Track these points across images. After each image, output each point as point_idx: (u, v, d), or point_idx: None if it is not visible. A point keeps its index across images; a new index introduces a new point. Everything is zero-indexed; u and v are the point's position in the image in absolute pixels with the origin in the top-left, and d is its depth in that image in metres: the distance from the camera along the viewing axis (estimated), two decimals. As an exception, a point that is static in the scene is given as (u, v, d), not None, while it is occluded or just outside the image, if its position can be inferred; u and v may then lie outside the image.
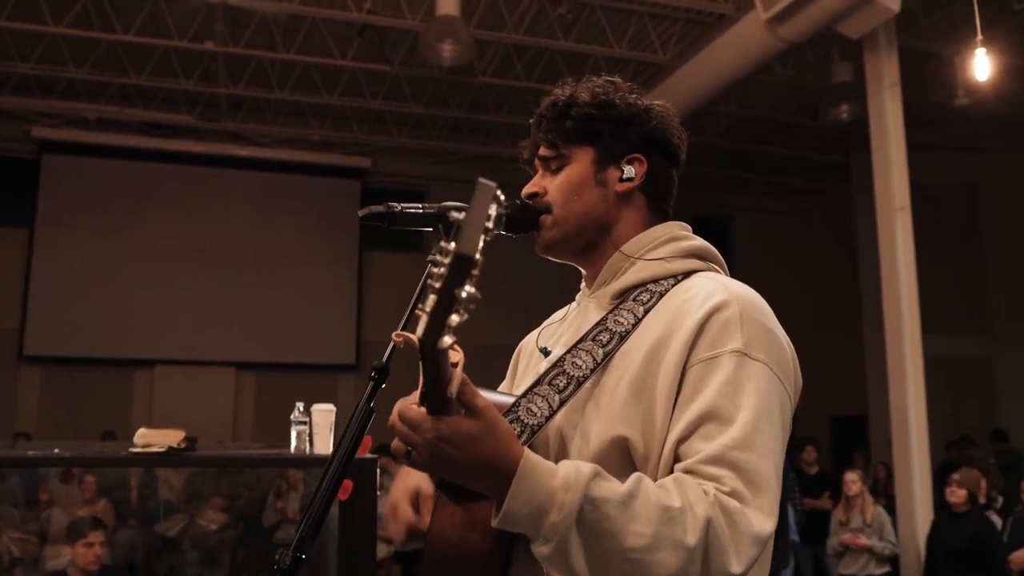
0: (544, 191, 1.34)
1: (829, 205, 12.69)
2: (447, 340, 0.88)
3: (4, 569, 5.05)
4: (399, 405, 1.08)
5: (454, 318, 0.86)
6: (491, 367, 1.54)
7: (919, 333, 6.63)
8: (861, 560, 6.08)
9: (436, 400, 1.00)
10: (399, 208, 1.22)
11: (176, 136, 10.53)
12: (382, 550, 6.85)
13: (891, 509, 6.75)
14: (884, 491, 8.37)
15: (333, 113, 10.58)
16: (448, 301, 0.85)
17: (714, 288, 1.21)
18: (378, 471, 2.83)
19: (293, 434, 3.20)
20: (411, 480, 1.33)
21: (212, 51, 8.66)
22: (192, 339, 10.59)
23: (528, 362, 1.44)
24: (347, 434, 1.09)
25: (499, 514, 1.03)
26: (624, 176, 1.33)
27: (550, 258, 1.38)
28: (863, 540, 6.08)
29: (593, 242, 1.34)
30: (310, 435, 3.17)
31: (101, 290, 10.35)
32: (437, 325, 0.86)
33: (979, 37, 6.00)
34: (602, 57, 8.84)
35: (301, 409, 3.23)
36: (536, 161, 1.39)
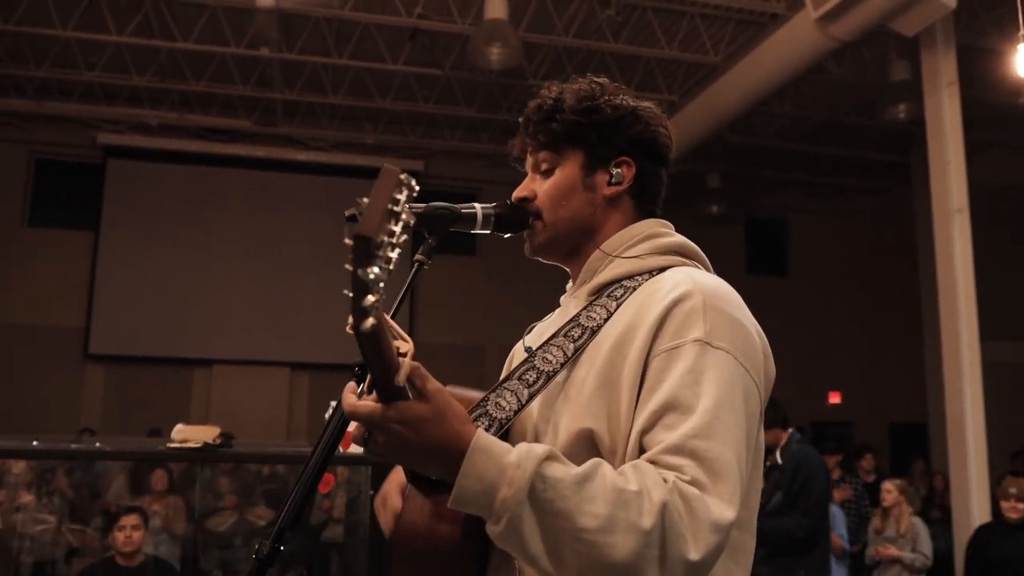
0: (533, 195, 1.36)
1: (888, 206, 12.37)
2: (370, 321, 0.89)
3: (62, 559, 5.24)
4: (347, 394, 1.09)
5: (369, 298, 0.87)
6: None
7: (976, 338, 6.42)
8: (892, 571, 5.88)
9: (384, 386, 1.01)
10: None
11: (234, 141, 10.80)
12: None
13: (947, 520, 6.53)
14: (941, 502, 8.11)
15: (386, 117, 10.72)
16: (359, 284, 0.87)
17: (679, 280, 1.21)
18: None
19: (327, 432, 3.27)
20: (403, 474, 1.35)
21: (267, 57, 8.85)
22: (249, 340, 10.84)
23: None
24: (328, 429, 1.11)
25: (452, 492, 1.03)
26: (612, 180, 1.33)
27: (539, 259, 1.40)
28: (892, 551, 5.87)
29: (579, 245, 1.35)
30: (343, 433, 3.22)
31: (163, 291, 10.65)
32: (358, 310, 0.88)
33: (1021, 32, 5.80)
34: (653, 59, 8.79)
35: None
36: (527, 163, 1.40)
